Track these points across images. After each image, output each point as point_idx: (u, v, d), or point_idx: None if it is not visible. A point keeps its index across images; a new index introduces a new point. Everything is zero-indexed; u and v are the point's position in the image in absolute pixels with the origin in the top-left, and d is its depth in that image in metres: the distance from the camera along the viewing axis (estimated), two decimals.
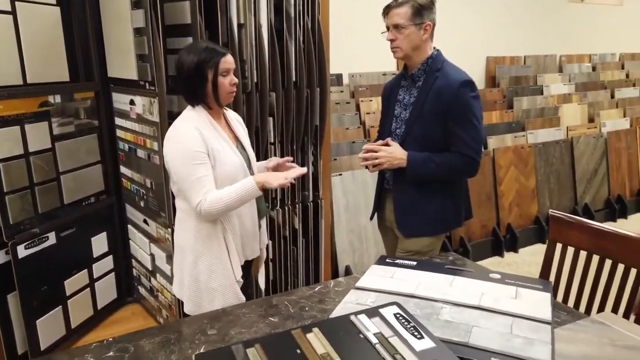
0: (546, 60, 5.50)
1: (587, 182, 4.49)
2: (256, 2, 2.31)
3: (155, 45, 2.12)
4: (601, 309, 1.54)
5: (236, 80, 1.69)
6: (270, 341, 1.20)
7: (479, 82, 5.05)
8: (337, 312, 1.36)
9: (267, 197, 2.58)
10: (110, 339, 1.27)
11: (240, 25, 2.29)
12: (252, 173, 1.78)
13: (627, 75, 5.94)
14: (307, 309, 1.41)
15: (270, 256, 2.66)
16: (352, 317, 1.28)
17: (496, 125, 4.31)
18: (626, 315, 1.47)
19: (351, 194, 3.38)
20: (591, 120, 4.95)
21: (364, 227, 3.38)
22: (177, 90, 1.75)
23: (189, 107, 1.69)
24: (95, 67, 2.54)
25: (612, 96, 5.43)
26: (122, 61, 2.42)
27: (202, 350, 1.22)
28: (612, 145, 4.66)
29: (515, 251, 3.92)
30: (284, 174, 1.66)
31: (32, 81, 2.24)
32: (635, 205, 4.76)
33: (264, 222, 1.91)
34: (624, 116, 5.08)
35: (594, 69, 5.84)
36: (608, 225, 1.57)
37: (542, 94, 5.01)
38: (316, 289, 1.53)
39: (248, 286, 1.93)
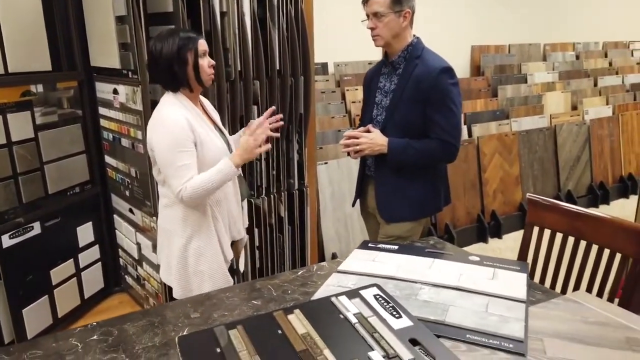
0: (530, 49, 5.54)
1: (570, 169, 4.56)
2: None
3: (138, 34, 2.12)
4: (576, 288, 1.58)
5: (213, 62, 1.72)
6: (252, 322, 1.23)
7: (464, 70, 5.08)
8: (319, 294, 1.39)
9: (253, 186, 2.59)
10: (94, 324, 1.29)
11: (222, 14, 2.29)
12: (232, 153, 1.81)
13: (610, 64, 6.01)
14: (289, 292, 1.44)
15: (257, 244, 2.68)
16: (333, 299, 1.31)
17: (480, 113, 4.35)
18: (600, 294, 1.52)
19: (337, 183, 3.40)
20: (574, 108, 5.02)
21: (350, 215, 3.41)
22: (155, 78, 1.75)
23: (169, 94, 1.70)
24: (77, 56, 2.53)
25: (595, 84, 5.49)
26: (104, 50, 2.41)
27: (185, 333, 1.24)
28: (595, 132, 4.72)
29: (500, 237, 3.98)
30: (252, 139, 1.68)
31: (13, 70, 2.23)
32: (617, 191, 4.84)
33: (245, 204, 1.94)
34: (607, 104, 5.14)
35: (577, 57, 5.90)
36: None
37: (526, 82, 5.06)
38: (299, 273, 1.56)
39: (231, 270, 1.95)
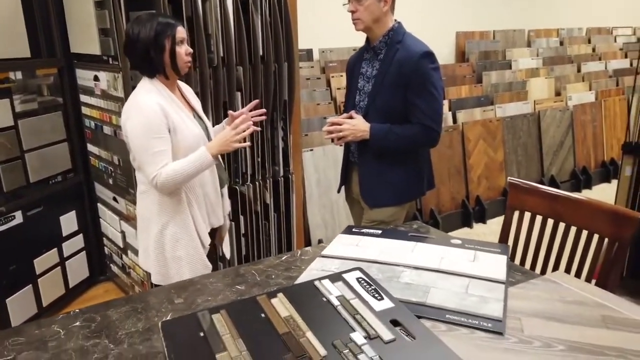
0: (515, 35, 5.57)
1: (553, 155, 4.61)
2: None
3: (117, 19, 2.09)
4: (556, 269, 1.61)
5: (191, 50, 1.70)
6: (235, 307, 1.23)
7: (449, 57, 5.09)
8: (302, 278, 1.40)
9: (238, 172, 2.59)
10: (77, 310, 1.28)
11: None
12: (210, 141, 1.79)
13: (594, 50, 6.06)
14: (273, 276, 1.45)
15: (243, 231, 2.68)
16: (316, 282, 1.32)
17: (465, 99, 4.37)
18: (578, 274, 1.55)
19: (323, 170, 3.41)
20: (558, 93, 5.06)
21: (336, 201, 3.42)
22: (131, 63, 1.73)
23: (146, 80, 1.69)
24: (57, 43, 2.49)
25: (579, 70, 5.54)
26: (84, 36, 2.38)
27: (168, 318, 1.24)
28: (578, 118, 4.77)
29: (484, 222, 4.03)
30: (234, 132, 1.65)
31: None
32: (599, 176, 4.91)
33: (225, 190, 1.94)
34: (590, 90, 5.20)
35: (561, 43, 5.94)
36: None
37: (510, 68, 5.09)
38: (283, 258, 1.56)
39: (212, 255, 1.96)
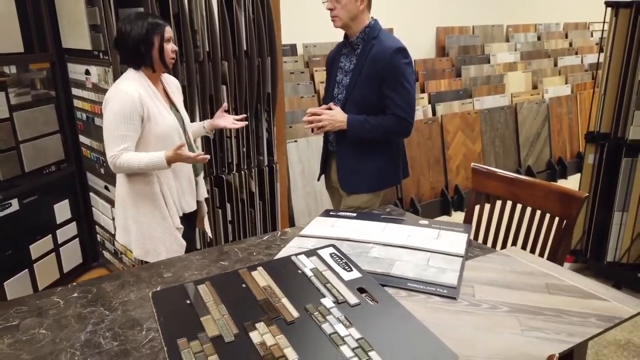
0: (494, 30, 5.72)
1: (530, 146, 4.78)
2: None
3: (107, 16, 2.20)
4: (514, 246, 1.76)
5: (176, 47, 1.88)
6: (219, 279, 1.37)
7: (429, 51, 5.23)
8: (281, 254, 1.54)
9: (224, 162, 2.71)
10: (75, 284, 1.41)
11: None
12: (185, 133, 1.97)
13: (570, 44, 6.23)
14: (255, 253, 1.58)
15: (229, 218, 2.81)
16: (293, 257, 1.47)
17: (445, 92, 4.51)
18: (533, 250, 1.70)
19: (307, 160, 3.54)
20: (534, 87, 5.22)
21: (319, 190, 3.56)
22: (120, 56, 1.89)
23: (131, 70, 1.85)
24: (49, 38, 2.59)
25: (555, 64, 5.71)
26: (75, 32, 2.48)
27: (158, 289, 1.37)
28: (554, 110, 4.94)
29: (462, 210, 4.18)
30: (188, 157, 1.77)
31: None
32: (574, 166, 5.08)
33: (200, 179, 2.09)
34: (566, 83, 5.37)
35: (539, 38, 6.10)
36: None
37: (489, 62, 5.24)
38: (264, 238, 1.70)
39: (192, 236, 2.13)
